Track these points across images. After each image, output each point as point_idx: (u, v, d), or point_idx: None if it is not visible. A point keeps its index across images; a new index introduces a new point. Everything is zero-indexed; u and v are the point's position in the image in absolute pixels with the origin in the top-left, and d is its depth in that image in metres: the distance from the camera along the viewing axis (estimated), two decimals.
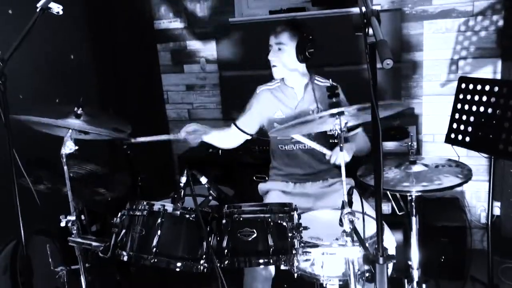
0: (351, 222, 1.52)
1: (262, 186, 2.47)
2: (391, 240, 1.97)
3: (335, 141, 1.66)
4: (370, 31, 1.13)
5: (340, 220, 1.54)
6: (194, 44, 3.68)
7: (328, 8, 3.22)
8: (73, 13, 2.95)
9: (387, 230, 2.02)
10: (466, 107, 2.15)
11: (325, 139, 2.35)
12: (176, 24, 3.68)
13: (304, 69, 2.33)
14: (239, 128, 2.40)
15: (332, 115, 1.62)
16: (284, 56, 2.24)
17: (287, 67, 2.27)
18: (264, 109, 2.38)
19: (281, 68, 2.27)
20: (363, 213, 1.57)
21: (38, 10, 1.59)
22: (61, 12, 1.62)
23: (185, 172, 1.67)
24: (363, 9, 1.16)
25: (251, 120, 2.40)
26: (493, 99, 2.03)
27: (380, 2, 3.14)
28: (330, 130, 1.64)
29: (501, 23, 2.93)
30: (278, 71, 2.29)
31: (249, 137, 2.42)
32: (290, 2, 3.41)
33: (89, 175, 2.24)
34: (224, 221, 1.59)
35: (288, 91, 2.36)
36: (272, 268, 2.05)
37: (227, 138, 2.42)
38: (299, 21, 2.32)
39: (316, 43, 2.24)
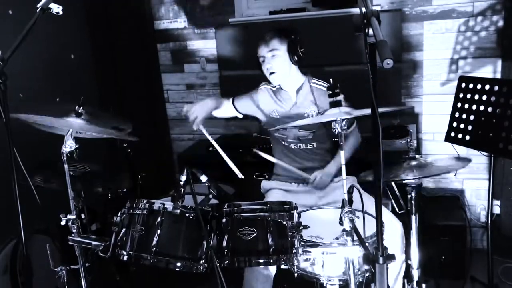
0: (351, 220, 1.53)
1: (265, 184, 2.49)
2: (396, 227, 2.03)
3: (336, 139, 1.65)
4: (370, 31, 1.13)
5: (340, 218, 1.54)
6: (194, 44, 3.68)
7: (328, 8, 3.22)
8: (73, 13, 2.96)
9: (391, 217, 2.06)
10: (466, 106, 2.15)
11: (327, 138, 2.38)
12: (176, 24, 3.68)
13: (297, 72, 2.35)
14: (234, 107, 2.49)
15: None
16: (279, 61, 2.27)
17: (284, 72, 2.29)
18: (262, 103, 2.46)
19: (280, 74, 2.29)
20: (363, 211, 1.57)
21: (38, 10, 1.59)
22: (61, 12, 1.62)
23: (185, 170, 1.67)
24: (363, 9, 1.16)
25: (247, 105, 2.50)
26: (493, 98, 2.03)
27: (380, 2, 3.14)
28: (333, 129, 1.65)
29: (501, 23, 2.92)
30: (277, 77, 2.30)
31: (240, 116, 2.53)
32: (290, 2, 3.41)
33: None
34: (224, 219, 1.60)
35: (284, 94, 2.40)
36: (272, 267, 2.05)
37: (220, 109, 2.47)
38: (283, 26, 2.37)
39: (304, 42, 2.29)
